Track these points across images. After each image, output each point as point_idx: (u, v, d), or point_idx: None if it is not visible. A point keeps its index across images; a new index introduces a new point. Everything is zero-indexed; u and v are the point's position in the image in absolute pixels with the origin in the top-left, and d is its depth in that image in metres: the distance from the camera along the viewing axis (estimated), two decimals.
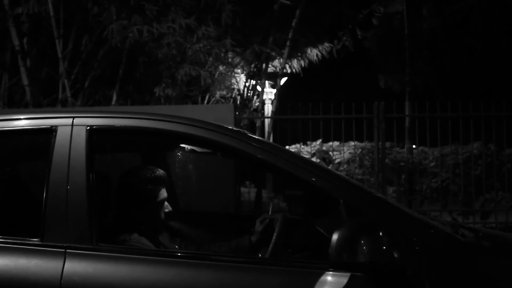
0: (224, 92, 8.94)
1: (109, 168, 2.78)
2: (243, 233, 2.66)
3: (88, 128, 2.15)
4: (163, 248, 2.47)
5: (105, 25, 7.26)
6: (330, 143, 9.39)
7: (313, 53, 9.67)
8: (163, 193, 2.48)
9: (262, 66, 9.12)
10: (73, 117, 2.18)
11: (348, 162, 9.47)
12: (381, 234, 1.79)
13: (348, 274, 1.80)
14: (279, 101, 9.27)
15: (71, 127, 2.14)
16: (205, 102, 8.87)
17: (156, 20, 7.19)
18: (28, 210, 2.31)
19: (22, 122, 2.26)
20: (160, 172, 2.49)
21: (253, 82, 9.38)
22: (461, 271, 1.95)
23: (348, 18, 10.78)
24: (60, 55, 7.50)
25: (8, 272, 1.95)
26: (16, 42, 7.47)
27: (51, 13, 7.35)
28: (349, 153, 9.55)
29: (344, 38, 10.31)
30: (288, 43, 8.60)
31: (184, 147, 2.93)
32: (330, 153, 10.00)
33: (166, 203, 2.50)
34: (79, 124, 2.16)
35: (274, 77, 9.63)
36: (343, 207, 2.11)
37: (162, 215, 2.48)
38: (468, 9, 10.47)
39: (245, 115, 8.59)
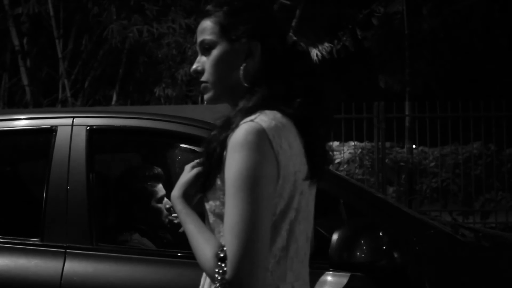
0: None
1: (109, 168, 2.78)
2: None
3: (88, 128, 2.15)
4: (165, 248, 2.47)
5: (105, 25, 7.25)
6: (330, 143, 9.38)
7: (313, 53, 9.66)
8: (161, 190, 2.48)
9: None
10: (73, 117, 2.18)
11: (348, 162, 9.46)
12: (381, 234, 1.79)
13: (348, 274, 1.80)
14: None
15: (71, 127, 2.15)
16: (205, 102, 8.85)
17: (156, 20, 7.19)
18: (28, 210, 2.31)
19: (22, 122, 2.26)
20: (156, 169, 2.50)
21: None
22: (460, 271, 1.95)
23: (348, 18, 10.77)
24: (60, 55, 7.50)
25: (8, 272, 1.95)
26: (16, 42, 7.46)
27: (51, 13, 7.34)
28: (349, 153, 9.54)
29: (344, 38, 10.29)
30: None
31: (184, 147, 2.93)
32: (330, 153, 9.98)
33: (166, 199, 2.50)
34: (79, 124, 2.16)
35: None
36: (343, 207, 2.11)
37: (165, 211, 2.48)
38: (468, 9, 10.47)
39: None
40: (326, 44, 9.60)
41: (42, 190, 2.06)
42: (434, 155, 9.04)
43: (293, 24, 8.45)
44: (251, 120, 1.19)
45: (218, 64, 1.31)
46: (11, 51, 7.92)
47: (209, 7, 1.34)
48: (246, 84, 1.28)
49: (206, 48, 1.33)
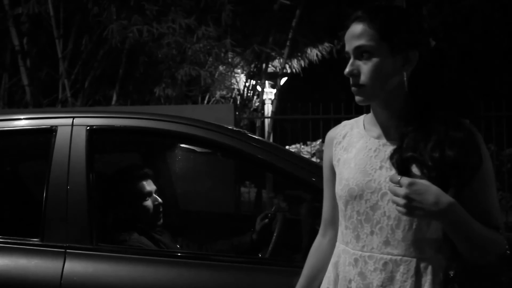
0: (224, 92, 8.93)
1: (109, 168, 2.78)
2: (244, 233, 2.66)
3: (88, 128, 2.15)
4: (164, 247, 2.47)
5: (105, 25, 7.26)
6: None
7: (313, 53, 9.65)
8: (148, 185, 2.48)
9: (262, 66, 9.11)
10: (73, 117, 2.18)
11: None
12: None
13: None
14: (279, 101, 9.26)
15: (71, 127, 2.15)
16: (205, 102, 8.86)
17: (156, 20, 7.19)
18: (28, 210, 2.31)
19: (22, 122, 2.26)
20: (143, 167, 2.52)
21: (253, 82, 9.36)
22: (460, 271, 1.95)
23: (348, 18, 10.78)
24: (60, 55, 7.50)
25: (8, 272, 1.95)
26: (16, 42, 7.47)
27: (51, 13, 7.35)
28: None
29: None
30: (288, 43, 8.59)
31: (184, 147, 2.93)
32: None
33: (155, 196, 2.49)
34: (79, 124, 2.16)
35: (274, 77, 9.61)
36: None
37: (152, 207, 2.47)
38: (468, 9, 10.47)
39: (245, 115, 8.58)
40: (326, 44, 9.60)
41: (42, 190, 2.06)
42: None
43: (293, 24, 8.45)
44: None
45: (378, 70, 1.39)
46: (11, 51, 7.92)
47: (360, 13, 1.41)
48: (406, 90, 1.38)
49: (363, 53, 1.41)
